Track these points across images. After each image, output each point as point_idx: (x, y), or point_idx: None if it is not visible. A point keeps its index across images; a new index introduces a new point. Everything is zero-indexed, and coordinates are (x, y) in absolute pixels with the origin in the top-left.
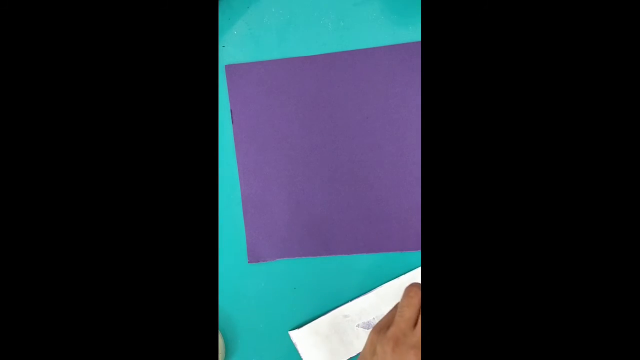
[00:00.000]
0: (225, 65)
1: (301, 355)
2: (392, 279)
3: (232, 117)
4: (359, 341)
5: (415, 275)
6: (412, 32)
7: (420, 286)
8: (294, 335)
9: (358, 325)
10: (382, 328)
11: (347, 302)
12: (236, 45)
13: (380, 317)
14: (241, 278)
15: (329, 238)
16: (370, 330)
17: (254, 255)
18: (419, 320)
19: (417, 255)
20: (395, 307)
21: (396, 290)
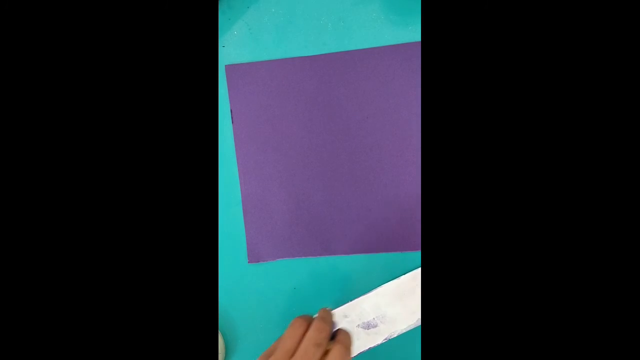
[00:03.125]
0: (225, 65)
1: None
2: (392, 279)
3: (232, 117)
4: (359, 342)
5: (415, 275)
6: (412, 32)
7: (305, 319)
8: None
9: (358, 326)
10: (266, 356)
11: (347, 302)
12: (236, 45)
13: (380, 317)
14: (241, 278)
15: (329, 238)
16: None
17: (254, 255)
18: (297, 352)
19: (417, 255)
20: (279, 338)
21: (396, 290)
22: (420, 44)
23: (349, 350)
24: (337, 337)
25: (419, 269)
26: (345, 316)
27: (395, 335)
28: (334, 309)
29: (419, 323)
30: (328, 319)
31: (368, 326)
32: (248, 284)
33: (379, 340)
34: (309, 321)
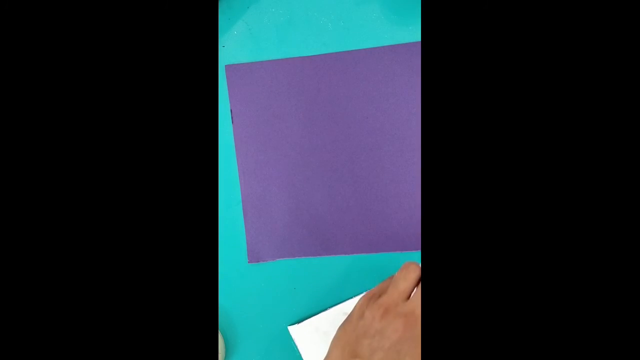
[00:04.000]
0: (225, 65)
1: (300, 352)
2: None
3: (232, 117)
4: None
5: None
6: (412, 32)
7: (418, 265)
8: (294, 330)
9: None
10: (374, 296)
11: (347, 300)
12: (236, 45)
13: None
14: (241, 278)
15: (329, 238)
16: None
17: (254, 255)
18: (412, 294)
19: (417, 255)
20: (389, 279)
21: None
22: (420, 44)
23: None
24: None
25: None
26: (345, 313)
27: None
28: (334, 306)
29: None
30: None
31: None
32: (248, 284)
33: None
34: (419, 270)
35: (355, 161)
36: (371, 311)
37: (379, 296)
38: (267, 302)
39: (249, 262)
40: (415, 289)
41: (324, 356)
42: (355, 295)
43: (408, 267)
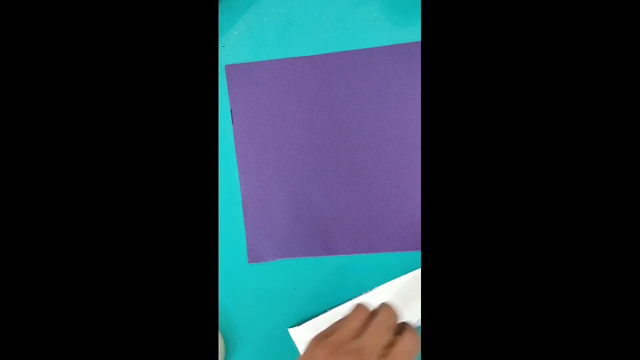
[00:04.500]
0: (225, 65)
1: (301, 353)
2: (392, 279)
3: (232, 117)
4: None
5: (415, 275)
6: (412, 32)
7: (367, 307)
8: (294, 332)
9: None
10: (324, 336)
11: (347, 301)
12: (236, 45)
13: None
14: (241, 278)
15: (329, 238)
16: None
17: (254, 255)
18: (363, 333)
19: (417, 255)
20: (340, 321)
21: (396, 290)
22: (420, 44)
23: (419, 341)
24: (405, 327)
25: (419, 269)
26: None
27: None
28: (334, 307)
29: (419, 324)
30: (394, 309)
31: None
32: (248, 284)
33: None
34: (370, 311)
35: (355, 161)
36: (321, 350)
37: (329, 336)
38: (267, 302)
39: (249, 262)
40: (367, 328)
41: None
42: (355, 296)
43: (358, 307)
